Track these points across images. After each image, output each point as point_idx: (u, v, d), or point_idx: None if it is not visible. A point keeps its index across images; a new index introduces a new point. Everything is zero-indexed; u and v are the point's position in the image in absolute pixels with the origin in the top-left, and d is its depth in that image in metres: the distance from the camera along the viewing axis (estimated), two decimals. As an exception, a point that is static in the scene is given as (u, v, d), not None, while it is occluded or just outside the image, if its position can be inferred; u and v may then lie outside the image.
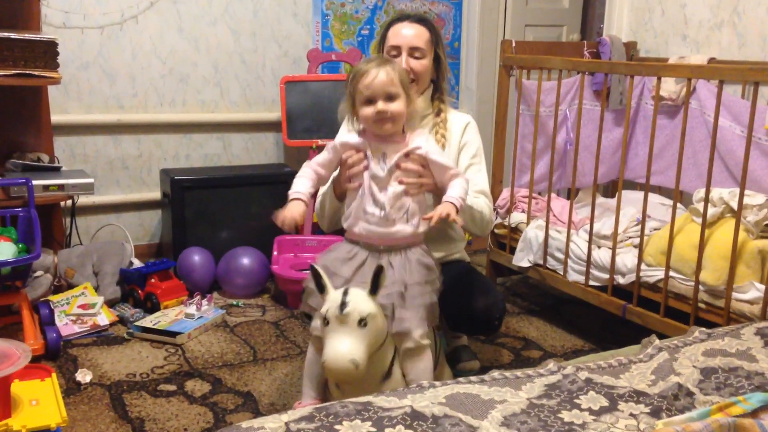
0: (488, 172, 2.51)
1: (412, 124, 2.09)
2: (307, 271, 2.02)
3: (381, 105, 1.97)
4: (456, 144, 2.37)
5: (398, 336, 1.96)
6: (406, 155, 2.03)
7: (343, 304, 1.81)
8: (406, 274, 1.99)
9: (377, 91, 1.98)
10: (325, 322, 1.84)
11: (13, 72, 2.86)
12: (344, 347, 1.78)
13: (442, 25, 4.21)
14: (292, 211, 2.01)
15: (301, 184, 2.09)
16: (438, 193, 2.09)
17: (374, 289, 1.86)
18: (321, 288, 1.90)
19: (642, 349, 1.81)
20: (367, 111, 2.00)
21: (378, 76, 1.98)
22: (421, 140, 2.06)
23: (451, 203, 1.98)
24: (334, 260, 2.05)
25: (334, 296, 1.85)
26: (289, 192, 2.08)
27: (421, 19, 2.38)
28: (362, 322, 1.81)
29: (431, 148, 2.06)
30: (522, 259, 3.17)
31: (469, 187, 2.31)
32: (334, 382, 1.93)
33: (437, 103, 2.40)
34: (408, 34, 2.33)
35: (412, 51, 2.32)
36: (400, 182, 2.01)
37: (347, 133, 2.14)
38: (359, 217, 2.05)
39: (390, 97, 1.99)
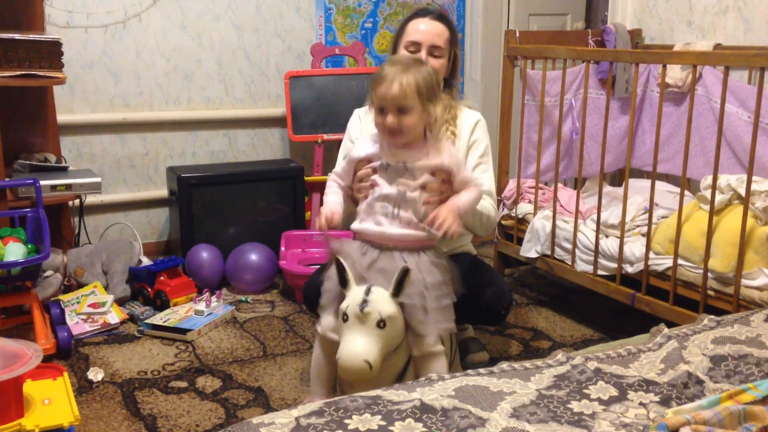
0: (494, 163, 2.51)
1: (435, 131, 2.04)
2: (315, 266, 2.02)
3: (390, 119, 1.93)
4: (465, 141, 2.38)
5: (412, 340, 1.94)
6: (432, 173, 1.99)
7: (364, 302, 1.79)
8: (424, 274, 1.95)
9: (388, 103, 1.93)
10: (344, 318, 1.82)
11: (18, 73, 2.87)
12: (360, 347, 1.76)
13: (445, 16, 4.20)
14: (327, 213, 2.00)
15: (332, 198, 2.08)
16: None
17: (397, 291, 1.84)
18: (343, 283, 1.88)
19: (651, 338, 1.80)
20: (378, 120, 1.97)
21: (392, 87, 1.92)
22: (446, 154, 2.01)
23: (454, 211, 1.95)
24: (349, 255, 2.00)
25: (355, 293, 1.83)
26: (322, 208, 2.07)
27: (442, 17, 2.36)
28: (381, 323, 1.79)
29: (456, 160, 2.02)
30: (529, 249, 3.17)
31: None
32: (347, 379, 1.93)
33: (447, 99, 2.40)
34: (430, 31, 2.31)
35: (432, 50, 2.31)
36: (426, 202, 1.98)
37: (362, 136, 2.10)
38: (371, 216, 2.02)
39: (402, 110, 1.93)
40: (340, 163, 2.25)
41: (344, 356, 1.77)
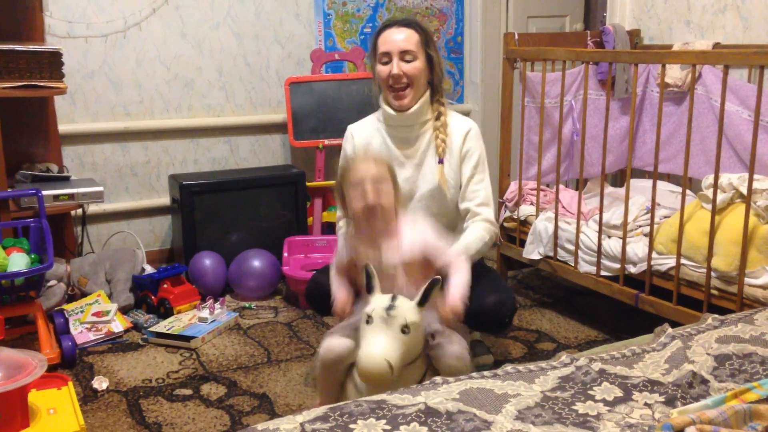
0: (495, 166, 2.51)
1: (401, 209, 2.08)
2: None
3: (370, 193, 1.95)
4: (457, 152, 2.37)
5: (436, 358, 1.95)
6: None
7: (390, 307, 1.80)
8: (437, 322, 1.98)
9: (366, 178, 1.97)
10: (368, 320, 1.82)
11: (19, 84, 2.88)
12: (381, 347, 1.76)
13: (444, 20, 4.21)
14: (341, 299, 2.02)
15: (337, 289, 2.09)
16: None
17: (423, 301, 1.85)
18: (370, 289, 1.90)
19: (655, 338, 1.80)
20: (357, 204, 1.98)
21: (368, 164, 1.99)
22: (414, 234, 2.03)
23: (454, 307, 1.96)
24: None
25: (381, 298, 1.85)
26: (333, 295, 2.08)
27: (408, 23, 2.35)
28: (405, 329, 1.80)
29: (426, 240, 2.02)
30: (532, 251, 3.17)
31: (472, 200, 2.35)
32: (364, 382, 1.90)
33: (437, 106, 2.40)
34: (397, 39, 2.31)
35: (403, 55, 2.30)
36: (410, 281, 1.99)
37: (342, 243, 2.13)
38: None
39: (379, 184, 1.97)
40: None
41: (365, 356, 1.76)
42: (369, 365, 1.75)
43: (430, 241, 2.03)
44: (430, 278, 1.99)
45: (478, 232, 2.32)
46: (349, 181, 2.01)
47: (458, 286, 1.98)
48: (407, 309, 1.82)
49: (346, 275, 2.11)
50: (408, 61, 2.31)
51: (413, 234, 2.03)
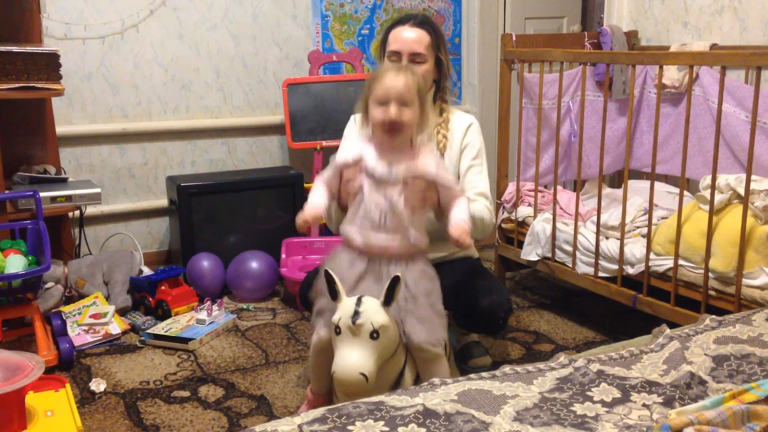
0: (493, 167, 2.51)
1: (421, 136, 2.05)
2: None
3: (393, 110, 1.92)
4: (458, 145, 2.37)
5: (412, 347, 1.94)
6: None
7: (355, 314, 1.79)
8: (413, 284, 1.94)
9: (392, 96, 1.93)
10: (336, 330, 1.82)
11: (16, 85, 2.88)
12: (354, 360, 1.76)
13: (441, 21, 4.21)
14: (309, 211, 1.99)
15: (316, 197, 2.05)
16: (436, 208, 2.07)
17: (388, 300, 1.84)
18: (334, 294, 1.88)
19: (653, 339, 1.80)
20: (377, 114, 1.95)
21: (396, 80, 1.93)
22: (430, 158, 2.01)
23: (462, 227, 1.94)
24: (338, 267, 1.98)
25: (347, 305, 1.83)
26: (305, 205, 2.05)
27: (422, 22, 2.35)
28: (374, 334, 1.79)
29: (439, 168, 2.01)
30: (530, 252, 3.17)
31: (469, 190, 2.32)
32: (343, 392, 1.92)
33: (439, 103, 2.41)
34: (408, 39, 2.31)
35: (413, 57, 2.30)
36: (406, 199, 1.96)
37: (352, 139, 2.10)
38: (357, 224, 1.99)
39: (403, 104, 1.94)
40: (327, 171, 2.29)
41: (339, 369, 1.77)
42: (344, 379, 1.76)
43: (444, 172, 2.02)
44: (426, 208, 2.01)
45: (480, 207, 2.27)
46: (374, 91, 1.95)
47: (462, 211, 1.97)
48: (373, 312, 1.80)
49: (329, 187, 2.08)
50: (417, 63, 2.30)
51: (431, 159, 2.00)
